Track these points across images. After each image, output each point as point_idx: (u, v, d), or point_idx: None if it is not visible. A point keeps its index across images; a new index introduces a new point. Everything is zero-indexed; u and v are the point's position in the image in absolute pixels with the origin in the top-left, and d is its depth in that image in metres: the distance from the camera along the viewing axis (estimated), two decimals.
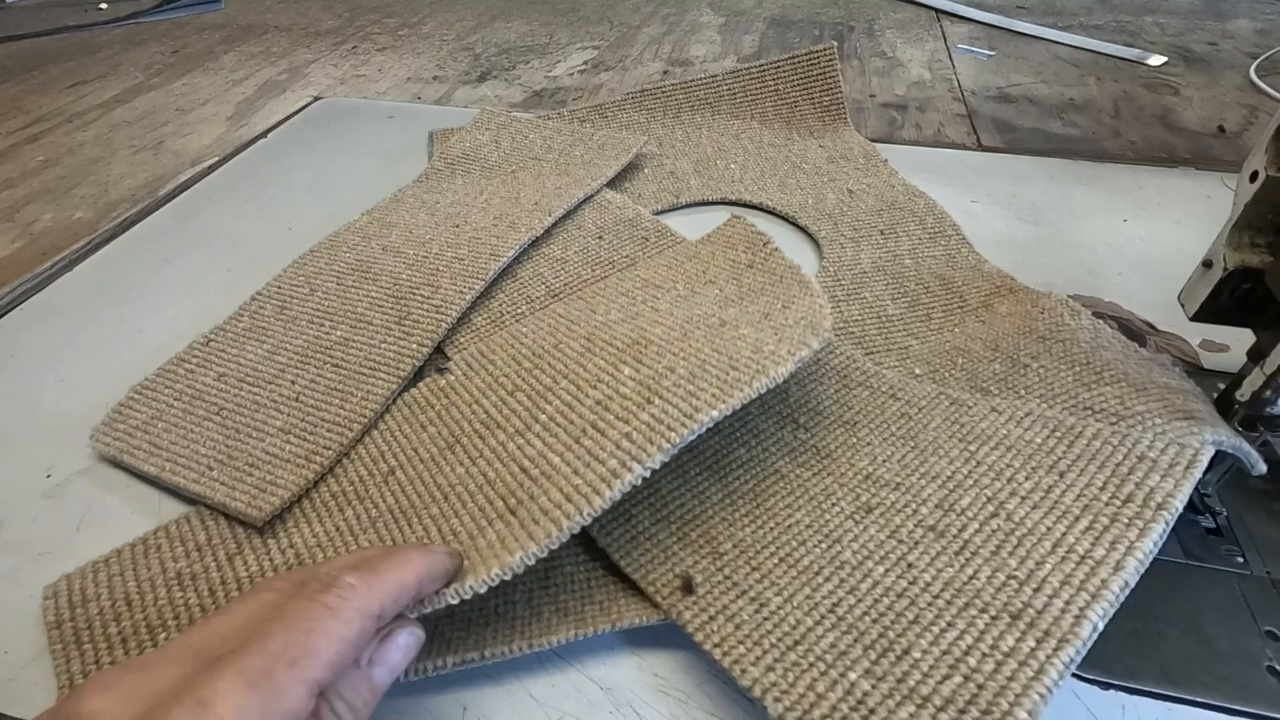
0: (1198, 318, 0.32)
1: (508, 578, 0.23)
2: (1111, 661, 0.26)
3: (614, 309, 0.34)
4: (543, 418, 0.28)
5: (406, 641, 0.22)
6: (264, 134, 0.67)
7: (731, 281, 0.32)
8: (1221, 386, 0.31)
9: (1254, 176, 0.28)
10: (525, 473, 0.27)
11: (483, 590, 0.22)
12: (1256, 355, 0.29)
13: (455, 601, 0.22)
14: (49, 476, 0.34)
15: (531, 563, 0.23)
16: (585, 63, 0.84)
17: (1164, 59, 0.79)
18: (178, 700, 0.16)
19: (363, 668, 0.21)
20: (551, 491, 0.25)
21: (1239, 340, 0.31)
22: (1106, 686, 0.26)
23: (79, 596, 0.28)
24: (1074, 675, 0.26)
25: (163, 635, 0.27)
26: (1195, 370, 0.38)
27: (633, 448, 0.25)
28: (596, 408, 0.27)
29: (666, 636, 0.27)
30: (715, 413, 0.25)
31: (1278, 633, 0.27)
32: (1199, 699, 0.25)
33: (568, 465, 0.25)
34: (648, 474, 0.24)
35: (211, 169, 0.61)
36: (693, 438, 0.25)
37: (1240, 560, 0.29)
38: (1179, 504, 0.25)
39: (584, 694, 0.26)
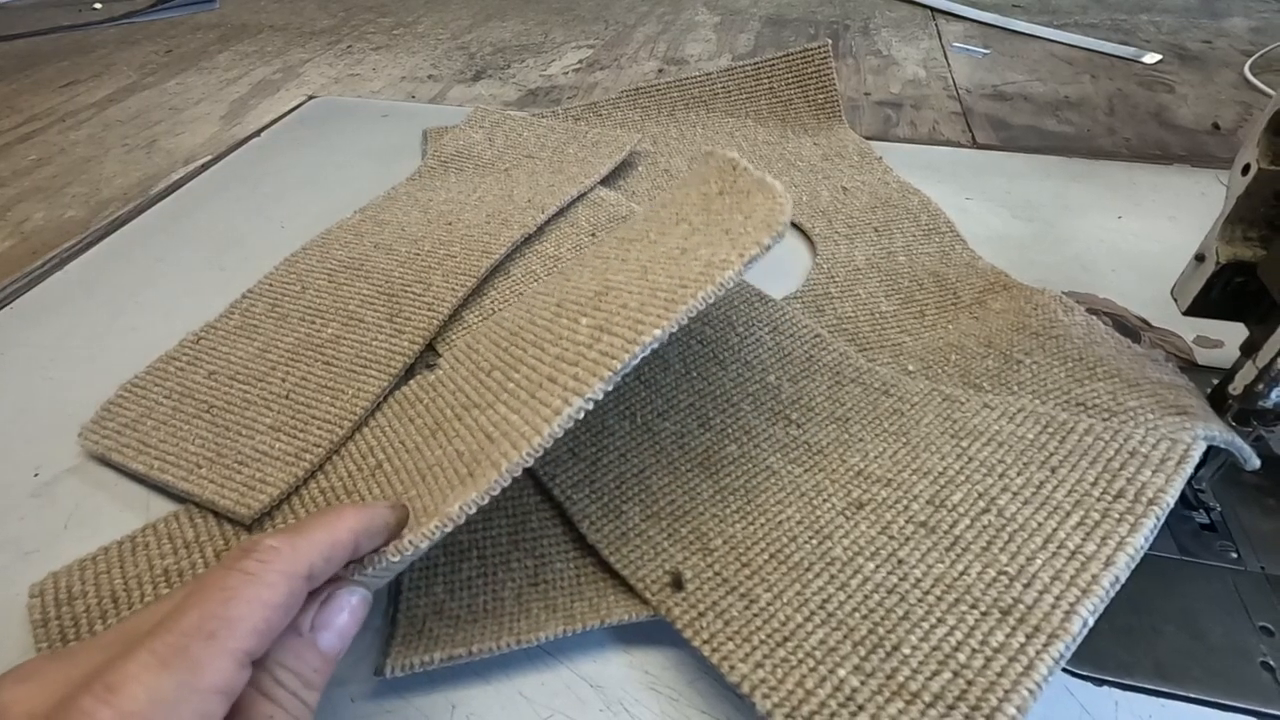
0: (1190, 312, 0.32)
1: (449, 529, 0.22)
2: (1105, 657, 0.26)
3: (586, 271, 0.33)
4: (510, 386, 0.28)
5: (350, 601, 0.21)
6: (257, 133, 0.66)
7: (701, 213, 0.31)
8: (1215, 382, 0.31)
9: (1246, 169, 0.28)
10: (489, 438, 0.26)
11: (424, 546, 0.22)
12: (1249, 349, 0.29)
13: (397, 559, 0.22)
14: (37, 475, 0.34)
15: (471, 511, 0.22)
16: (580, 61, 0.84)
17: (1159, 57, 0.79)
18: (87, 688, 0.16)
19: (306, 634, 0.20)
20: (503, 444, 0.24)
21: (1233, 336, 0.31)
22: (1100, 683, 0.26)
23: (65, 594, 0.28)
24: (1068, 671, 0.26)
25: None
26: (1189, 366, 0.38)
27: (577, 384, 0.24)
28: (555, 361, 0.26)
29: (657, 634, 0.27)
30: (659, 331, 0.24)
31: (1272, 628, 0.27)
32: (1192, 695, 0.25)
33: (522, 419, 0.24)
34: (589, 406, 0.23)
35: (204, 168, 0.61)
36: (636, 361, 0.24)
37: (1234, 556, 0.29)
38: (1170, 499, 0.24)
39: (574, 692, 0.26)
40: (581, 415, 0.23)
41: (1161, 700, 0.25)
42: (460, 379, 0.33)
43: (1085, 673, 0.26)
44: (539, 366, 0.27)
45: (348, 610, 0.21)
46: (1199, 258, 0.31)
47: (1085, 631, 0.22)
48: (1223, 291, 0.30)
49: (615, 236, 0.35)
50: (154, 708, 0.16)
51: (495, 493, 0.22)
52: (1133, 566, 0.23)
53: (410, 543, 0.21)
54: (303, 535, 0.20)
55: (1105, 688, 0.25)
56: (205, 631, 0.17)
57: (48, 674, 0.17)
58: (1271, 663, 0.26)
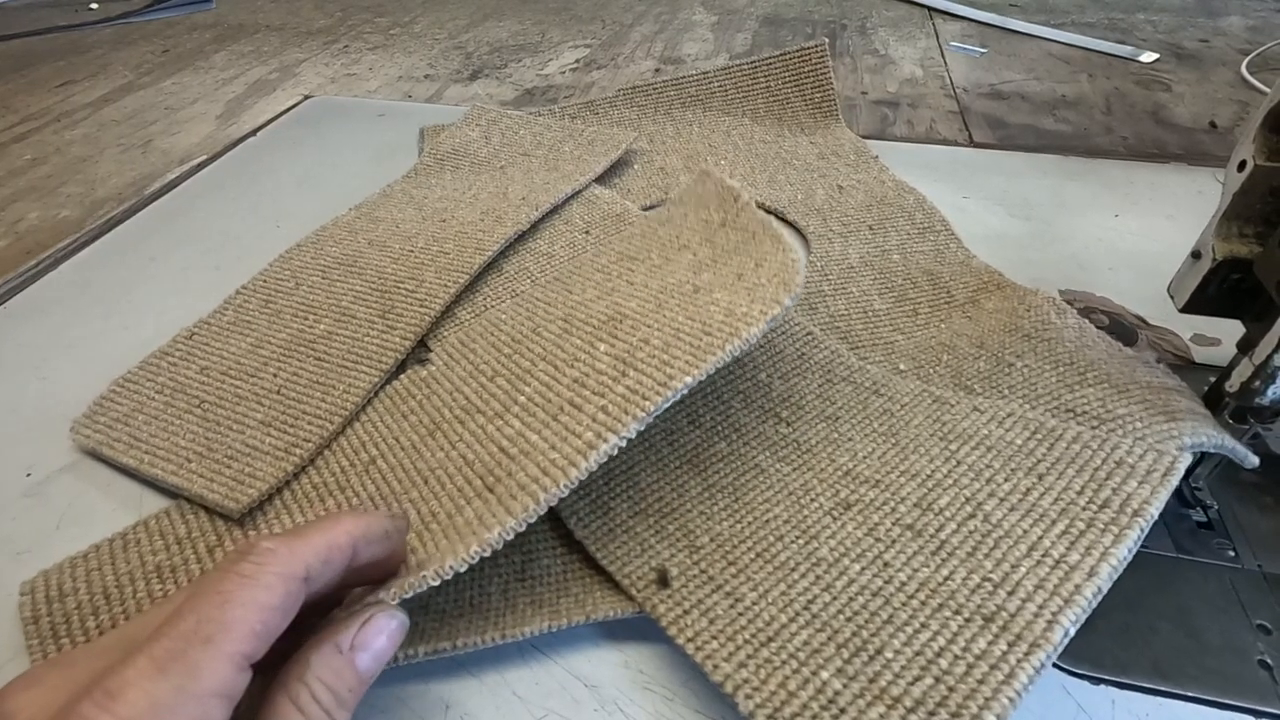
0: (1187, 309, 0.31)
1: (487, 554, 0.22)
2: (1102, 655, 0.26)
3: (590, 286, 0.33)
4: (521, 399, 0.28)
5: (389, 625, 0.21)
6: (253, 132, 0.66)
7: (705, 244, 0.31)
8: (1212, 379, 0.31)
9: (1242, 166, 0.28)
10: (504, 452, 0.26)
11: (463, 569, 0.22)
12: (1245, 346, 0.29)
13: (436, 583, 0.22)
14: (29, 475, 0.34)
15: (510, 537, 0.22)
16: (577, 61, 0.84)
17: (1156, 55, 0.79)
18: (88, 694, 0.16)
19: (345, 652, 0.20)
20: (529, 467, 0.24)
21: (1231, 335, 0.31)
22: (1097, 681, 0.25)
23: (56, 591, 0.28)
24: (1065, 671, 0.26)
25: None
26: (1186, 365, 0.38)
27: (608, 419, 0.24)
28: (574, 385, 0.26)
29: (651, 633, 0.27)
30: (689, 378, 0.24)
31: (1269, 626, 0.27)
32: (1189, 693, 0.25)
33: (545, 442, 0.25)
34: (623, 443, 0.24)
35: (200, 167, 0.60)
36: (667, 405, 0.24)
37: (1232, 554, 0.29)
38: (1154, 511, 0.24)
39: (568, 691, 0.25)
40: (615, 451, 0.23)
41: (1159, 699, 0.25)
42: (457, 379, 0.32)
43: (1082, 671, 0.26)
44: (555, 386, 0.27)
45: (386, 635, 0.21)
46: (1195, 255, 0.31)
47: (1067, 641, 0.21)
48: (1219, 288, 0.30)
49: (614, 250, 0.35)
50: (153, 712, 0.16)
51: (532, 520, 0.23)
52: (1115, 577, 0.23)
53: (450, 567, 0.22)
54: (300, 538, 0.20)
55: (1102, 686, 0.25)
56: (202, 636, 0.17)
57: (51, 680, 0.18)
58: (1269, 661, 0.26)
